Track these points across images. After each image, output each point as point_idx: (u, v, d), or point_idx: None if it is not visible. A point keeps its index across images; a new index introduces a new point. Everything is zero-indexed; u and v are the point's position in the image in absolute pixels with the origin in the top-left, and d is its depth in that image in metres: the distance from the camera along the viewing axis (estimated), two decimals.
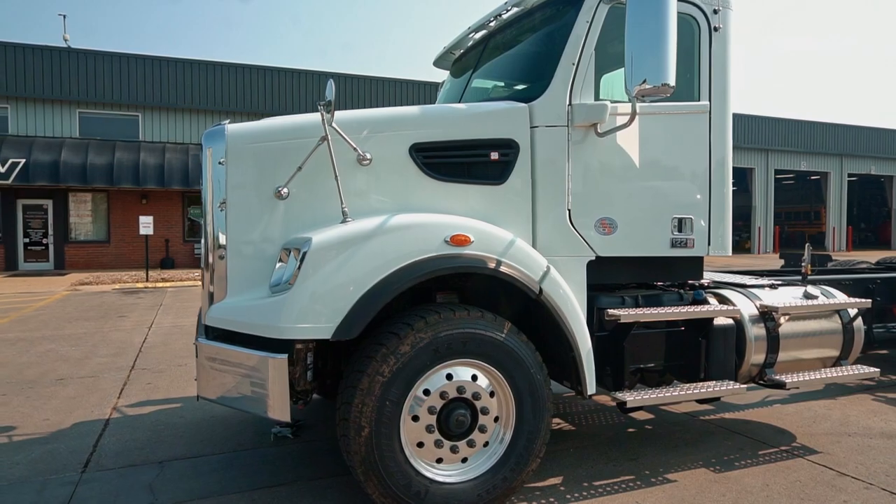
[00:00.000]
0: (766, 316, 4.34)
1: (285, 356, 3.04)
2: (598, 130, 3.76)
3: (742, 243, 34.20)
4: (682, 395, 3.86)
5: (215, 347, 3.30)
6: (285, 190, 3.40)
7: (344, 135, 3.35)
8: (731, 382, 4.05)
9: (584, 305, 3.79)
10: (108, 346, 8.23)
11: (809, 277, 5.30)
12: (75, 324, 10.24)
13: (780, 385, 4.26)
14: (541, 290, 3.43)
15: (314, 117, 3.44)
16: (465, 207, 3.62)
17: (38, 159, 19.21)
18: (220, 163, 3.41)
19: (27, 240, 21.35)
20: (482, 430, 3.36)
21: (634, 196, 3.96)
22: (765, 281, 4.88)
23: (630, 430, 4.88)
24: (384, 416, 3.11)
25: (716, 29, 4.12)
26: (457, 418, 3.27)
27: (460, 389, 3.30)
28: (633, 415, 5.18)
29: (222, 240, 3.43)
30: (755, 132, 33.15)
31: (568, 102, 3.75)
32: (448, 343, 3.21)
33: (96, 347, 8.18)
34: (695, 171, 4.11)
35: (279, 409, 3.07)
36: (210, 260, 3.48)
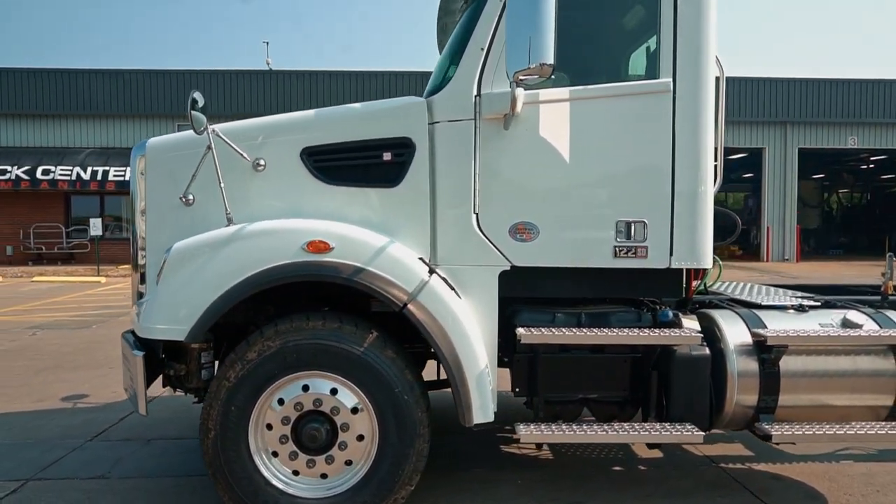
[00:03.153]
0: (762, 347, 3.39)
1: (142, 354, 3.22)
2: (505, 123, 3.29)
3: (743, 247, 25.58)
4: (585, 436, 3.21)
5: (122, 343, 3.61)
6: (191, 197, 3.56)
7: (230, 143, 3.41)
8: (687, 427, 3.25)
9: (491, 321, 3.37)
10: None
11: (892, 297, 4.02)
12: None
13: (767, 437, 3.29)
14: (406, 304, 3.13)
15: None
16: (357, 212, 3.44)
17: None
18: (141, 173, 3.72)
19: None
20: (342, 447, 3.18)
21: (563, 197, 3.39)
22: (793, 301, 3.79)
23: (616, 468, 4.18)
24: (229, 421, 3.12)
25: None
26: (309, 432, 3.15)
27: (317, 402, 3.16)
28: (645, 453, 4.41)
29: (141, 243, 3.73)
30: (766, 98, 23.89)
31: (476, 93, 3.34)
32: (297, 353, 3.11)
33: None
34: (652, 165, 3.38)
35: (138, 402, 3.26)
36: (138, 261, 3.81)
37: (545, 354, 3.37)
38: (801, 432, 3.25)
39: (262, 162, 3.48)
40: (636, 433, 3.23)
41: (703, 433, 3.24)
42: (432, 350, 3.23)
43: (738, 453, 4.40)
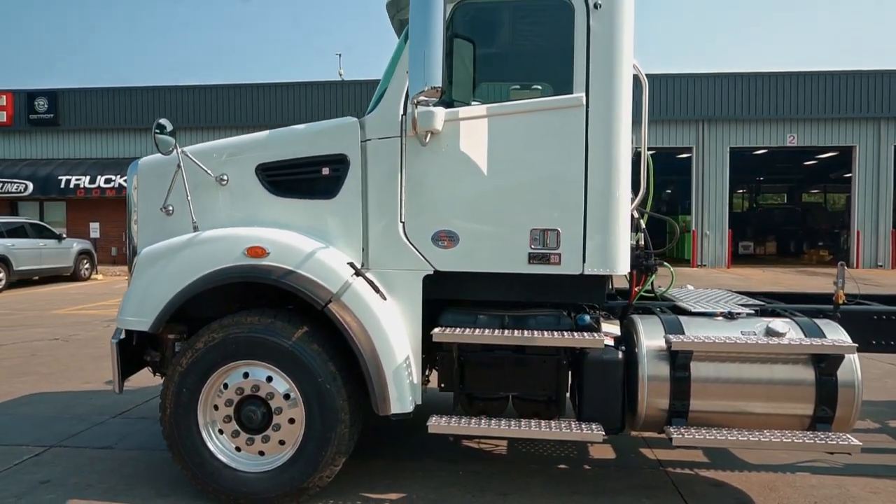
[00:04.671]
0: (675, 353, 3.48)
1: (116, 341, 3.81)
2: (425, 140, 3.59)
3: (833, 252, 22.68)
4: (488, 430, 3.46)
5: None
6: (170, 207, 4.12)
7: (196, 161, 3.93)
8: (591, 427, 3.42)
9: (415, 321, 3.68)
10: None
11: (843, 308, 3.95)
12: None
13: (670, 440, 3.38)
14: (328, 303, 3.50)
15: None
16: (302, 221, 3.85)
17: None
18: (134, 188, 4.34)
19: None
20: (276, 428, 3.61)
21: (480, 207, 3.65)
22: (724, 308, 3.80)
23: (561, 465, 4.34)
24: (181, 400, 3.63)
25: (596, 6, 3.50)
26: (248, 413, 3.60)
27: (255, 388, 3.61)
28: (598, 453, 4.53)
29: (135, 248, 4.33)
30: (856, 93, 21.82)
31: (402, 112, 3.67)
32: (236, 344, 3.57)
33: None
34: (565, 177, 3.56)
35: (115, 382, 3.85)
36: (132, 263, 4.42)
37: (465, 353, 3.64)
38: (701, 436, 3.32)
39: (225, 177, 3.98)
40: (538, 430, 3.42)
41: (602, 433, 3.39)
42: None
43: (693, 459, 4.41)
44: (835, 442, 3.26)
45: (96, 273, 19.29)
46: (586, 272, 3.56)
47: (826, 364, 3.37)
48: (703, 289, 5.05)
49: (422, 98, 3.21)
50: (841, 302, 3.95)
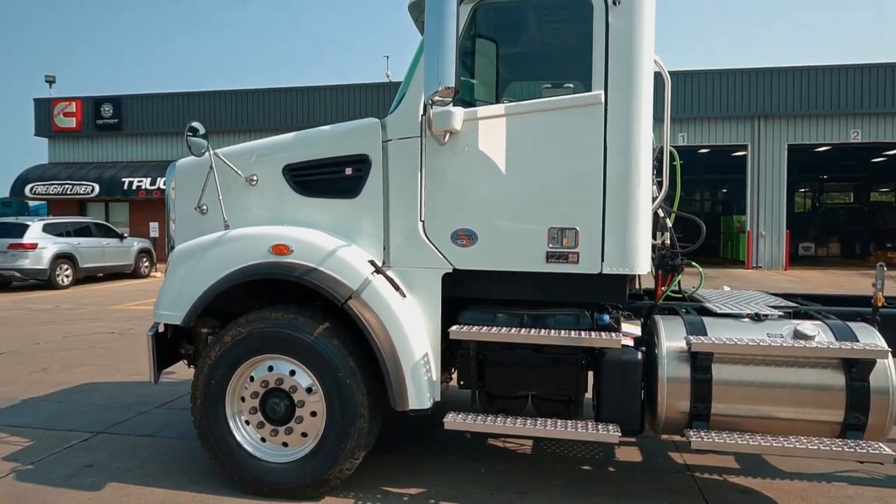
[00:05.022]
0: (696, 354, 3.40)
1: (151, 333, 4.01)
2: (443, 139, 3.63)
3: None
4: (503, 428, 3.47)
5: None
6: (204, 207, 4.30)
7: (227, 162, 4.10)
8: (608, 427, 3.38)
9: (435, 319, 3.73)
10: None
11: (883, 310, 3.78)
12: None
13: (689, 443, 3.30)
14: (350, 298, 3.59)
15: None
16: (326, 220, 3.96)
17: None
18: (172, 188, 4.55)
19: None
20: (298, 420, 3.72)
21: (498, 206, 3.66)
22: (753, 309, 3.68)
23: (585, 466, 4.30)
24: (210, 391, 3.79)
25: (616, 2, 3.46)
26: (272, 406, 3.72)
27: (278, 381, 3.73)
28: (625, 455, 4.47)
29: (172, 244, 4.54)
30: None
31: (422, 113, 3.72)
32: (261, 339, 3.70)
33: None
34: (584, 175, 3.54)
35: (151, 373, 4.06)
36: None
37: (483, 351, 3.66)
38: (721, 440, 3.24)
39: (254, 177, 4.12)
40: (553, 429, 3.41)
41: (619, 435, 3.35)
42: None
43: (723, 465, 4.30)
44: (865, 451, 3.12)
45: (155, 270, 20.15)
46: (605, 271, 3.52)
47: (857, 369, 3.23)
48: (739, 290, 4.91)
49: (436, 98, 3.25)
50: (880, 304, 3.77)
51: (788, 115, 22.00)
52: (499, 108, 3.64)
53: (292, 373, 3.72)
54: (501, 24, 3.85)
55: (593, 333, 3.48)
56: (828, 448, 3.14)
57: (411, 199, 3.76)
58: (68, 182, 25.02)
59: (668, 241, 4.08)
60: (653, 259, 4.17)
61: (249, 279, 3.75)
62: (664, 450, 4.58)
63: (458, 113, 3.58)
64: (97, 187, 24.60)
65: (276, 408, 3.72)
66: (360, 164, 3.88)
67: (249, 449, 3.79)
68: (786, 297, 4.49)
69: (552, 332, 3.50)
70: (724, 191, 33.33)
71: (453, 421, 3.53)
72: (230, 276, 3.76)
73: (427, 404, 3.63)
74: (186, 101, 25.87)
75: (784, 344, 3.27)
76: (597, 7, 3.49)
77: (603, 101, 3.48)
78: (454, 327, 3.60)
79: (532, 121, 3.61)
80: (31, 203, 28.64)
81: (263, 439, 3.80)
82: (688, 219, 4.32)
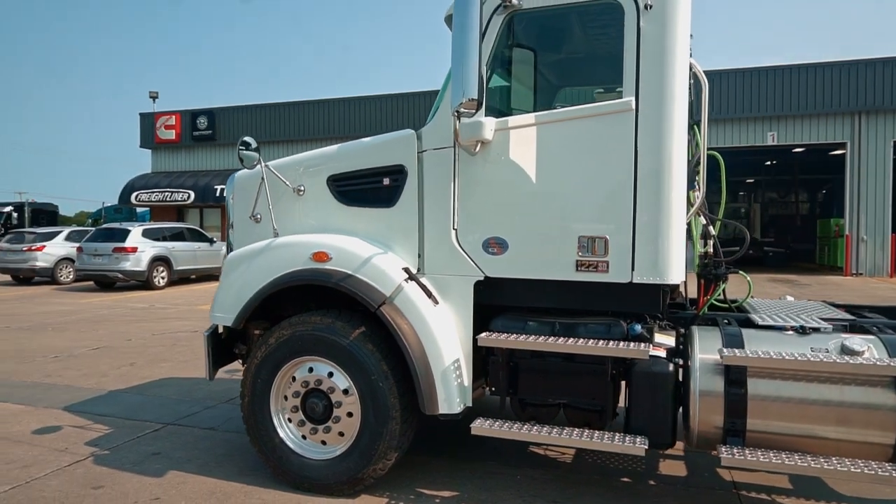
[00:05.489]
0: (729, 368, 3.28)
1: (207, 333, 4.31)
2: (474, 150, 3.70)
3: None
4: (528, 435, 3.46)
5: None
6: (258, 215, 4.59)
7: (278, 174, 4.35)
8: (636, 439, 3.32)
9: (467, 325, 3.80)
10: None
11: None
12: None
13: (719, 459, 3.17)
14: (382, 304, 3.72)
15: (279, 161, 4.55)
16: (366, 228, 4.12)
17: None
18: (231, 198, 4.87)
19: None
20: (335, 420, 3.89)
21: (529, 214, 3.68)
22: (796, 322, 3.48)
23: (624, 479, 4.21)
24: (257, 389, 4.04)
25: (647, 7, 3.40)
26: (311, 405, 3.92)
27: (318, 382, 3.92)
28: (668, 469, 4.35)
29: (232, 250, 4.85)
30: None
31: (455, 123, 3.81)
32: (301, 341, 3.91)
33: None
34: (614, 183, 3.50)
35: (207, 370, 4.36)
36: None
37: (513, 359, 3.69)
38: (754, 458, 3.10)
39: (302, 188, 4.36)
40: (578, 438, 3.39)
41: (645, 447, 3.28)
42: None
43: (774, 485, 4.09)
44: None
45: None
46: (635, 280, 3.46)
47: None
48: (802, 300, 4.64)
49: (462, 109, 3.33)
50: None
51: (893, 110, 20.30)
52: (529, 118, 3.67)
53: (330, 374, 3.90)
54: (536, 32, 3.87)
55: (621, 344, 3.43)
56: (873, 472, 2.93)
57: (445, 208, 3.85)
58: (168, 189, 27.00)
59: (710, 250, 3.95)
60: (698, 267, 4.05)
61: (292, 284, 3.97)
62: (712, 466, 4.40)
63: (489, 123, 3.64)
64: (192, 194, 26.36)
65: (315, 407, 3.91)
66: (397, 174, 4.01)
67: (291, 445, 4.01)
68: (851, 308, 4.21)
69: (579, 341, 3.48)
70: (823, 192, 31.14)
71: (480, 427, 3.59)
72: (275, 282, 4.00)
73: (457, 409, 3.70)
74: (274, 112, 27.27)
75: (825, 359, 3.09)
76: (628, 12, 3.44)
77: (634, 107, 3.43)
78: (483, 334, 3.65)
79: (562, 129, 3.61)
80: (139, 210, 31.09)
81: (304, 437, 4.01)
82: (734, 227, 4.15)
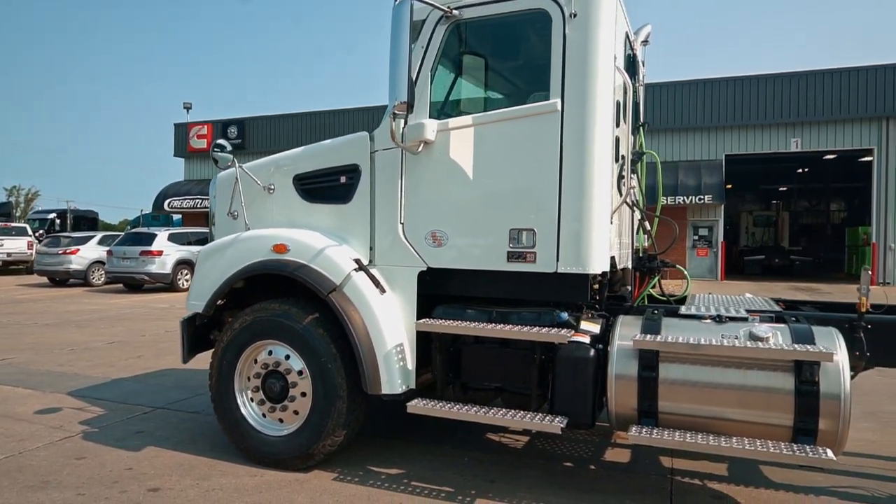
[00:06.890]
0: (642, 352, 3.48)
1: (183, 320, 4.68)
2: (417, 149, 3.99)
3: None
4: (456, 413, 3.74)
5: None
6: (235, 213, 4.95)
7: (251, 174, 4.72)
8: (554, 419, 3.55)
9: (411, 313, 4.07)
10: None
11: (871, 317, 3.63)
12: None
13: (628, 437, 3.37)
14: (332, 292, 4.02)
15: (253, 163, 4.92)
16: (325, 223, 4.45)
17: None
18: (213, 196, 5.25)
19: None
20: (291, 399, 4.20)
21: (465, 208, 3.95)
22: (715, 312, 3.65)
23: (567, 463, 4.41)
24: (222, 371, 4.39)
25: (573, 15, 3.66)
26: (270, 385, 4.24)
27: (276, 364, 4.25)
28: (614, 456, 4.53)
29: None
30: None
31: (403, 125, 4.10)
32: (261, 326, 4.24)
33: None
34: (542, 179, 3.75)
35: (181, 354, 4.73)
36: None
37: (448, 344, 3.95)
38: (658, 436, 3.29)
39: (272, 186, 4.72)
40: (502, 417, 3.62)
41: (562, 426, 3.50)
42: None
43: (711, 471, 4.23)
44: (805, 454, 3.05)
45: None
46: (560, 270, 3.69)
47: (804, 372, 3.16)
48: (748, 295, 4.77)
49: (395, 112, 3.63)
50: (864, 310, 3.61)
51: None
52: (467, 119, 3.95)
53: (287, 357, 4.22)
54: (477, 40, 4.15)
55: (543, 329, 3.66)
56: (765, 450, 3.10)
57: (393, 203, 4.15)
58: (198, 197, 27.95)
59: (646, 244, 4.14)
60: (633, 262, 4.26)
61: (255, 274, 4.31)
62: (656, 453, 4.56)
63: (431, 125, 3.94)
64: None
65: (274, 387, 4.23)
66: (353, 172, 4.33)
67: (252, 423, 4.34)
68: (794, 303, 4.36)
69: (507, 327, 3.72)
70: (855, 201, 30.42)
71: (416, 405, 3.85)
72: (241, 271, 4.35)
73: (399, 390, 3.97)
74: (301, 121, 28.08)
75: (727, 344, 3.27)
76: (555, 20, 3.70)
77: (560, 109, 3.68)
78: (421, 320, 3.93)
79: (496, 129, 3.88)
80: (175, 216, 32.22)
81: (264, 415, 4.33)
82: (667, 221, 4.34)
